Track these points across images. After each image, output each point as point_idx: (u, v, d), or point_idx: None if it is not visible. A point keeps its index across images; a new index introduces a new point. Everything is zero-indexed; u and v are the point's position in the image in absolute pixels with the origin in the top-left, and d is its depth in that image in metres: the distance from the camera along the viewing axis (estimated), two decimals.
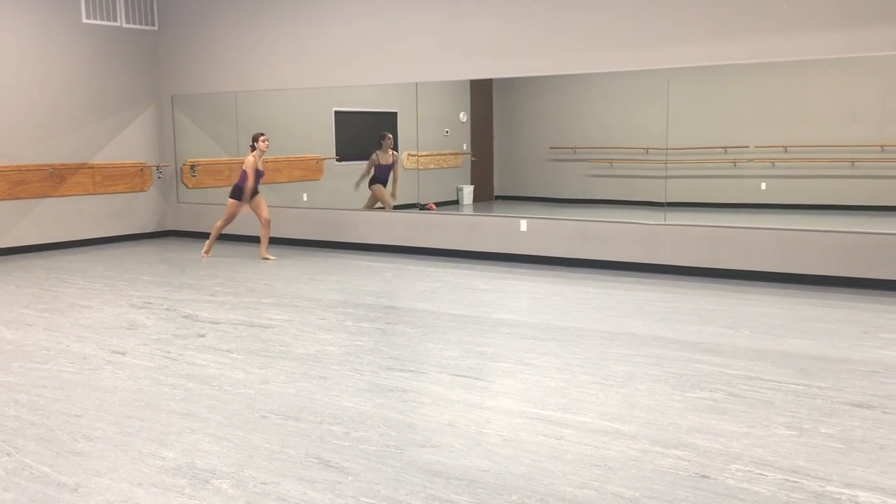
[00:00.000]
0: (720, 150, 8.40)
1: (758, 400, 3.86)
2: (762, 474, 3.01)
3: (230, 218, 8.63)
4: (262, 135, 8.36)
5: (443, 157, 10.37)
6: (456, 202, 10.59)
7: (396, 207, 9.38)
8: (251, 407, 3.86)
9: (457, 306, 6.10)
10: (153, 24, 10.50)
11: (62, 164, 9.65)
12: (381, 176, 9.58)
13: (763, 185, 8.49)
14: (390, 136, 9.55)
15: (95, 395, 4.10)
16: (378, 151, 9.52)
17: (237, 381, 4.28)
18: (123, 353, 4.89)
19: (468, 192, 10.60)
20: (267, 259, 8.60)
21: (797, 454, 3.20)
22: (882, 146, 7.66)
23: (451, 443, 3.36)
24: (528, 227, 8.12)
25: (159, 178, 10.78)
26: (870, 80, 7.88)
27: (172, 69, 10.57)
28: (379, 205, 9.58)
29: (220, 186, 10.65)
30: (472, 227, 8.55)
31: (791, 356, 4.61)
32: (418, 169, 9.50)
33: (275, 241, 9.92)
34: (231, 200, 8.52)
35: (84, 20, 9.73)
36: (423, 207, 9.17)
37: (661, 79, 7.42)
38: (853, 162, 7.92)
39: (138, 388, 4.20)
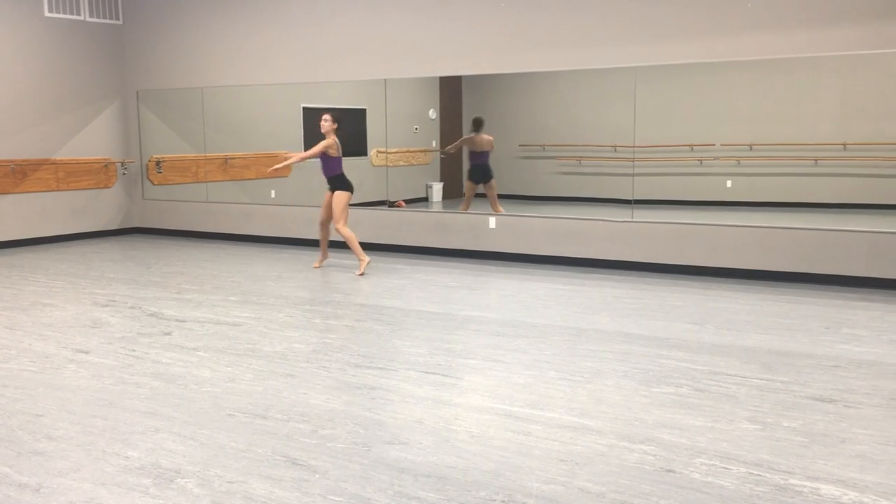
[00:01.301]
0: (687, 148, 8.48)
1: (722, 395, 3.91)
2: (726, 468, 3.05)
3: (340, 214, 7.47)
4: (325, 113, 7.33)
5: (412, 154, 10.34)
6: (425, 199, 10.57)
7: (365, 204, 9.33)
8: (217, 405, 3.83)
9: (426, 303, 6.09)
10: (118, 18, 10.35)
11: (24, 160, 9.47)
12: (477, 163, 8.68)
13: (729, 183, 8.58)
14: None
15: (58, 394, 4.04)
16: (473, 135, 8.59)
17: (203, 380, 4.23)
18: (87, 352, 4.82)
19: (437, 189, 10.59)
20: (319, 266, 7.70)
21: (760, 448, 3.24)
22: (844, 144, 7.79)
23: (420, 440, 3.36)
24: (496, 225, 8.13)
25: (124, 174, 10.63)
26: (832, 79, 8.01)
27: (137, 64, 10.43)
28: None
29: (186, 183, 10.53)
30: (441, 224, 8.54)
31: (755, 351, 4.67)
32: (387, 166, 9.47)
33: (241, 239, 9.84)
34: (337, 196, 7.43)
35: (47, 14, 9.56)
36: (392, 205, 9.14)
37: (629, 77, 7.47)
38: (816, 160, 8.04)
39: (102, 387, 4.14)
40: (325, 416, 3.65)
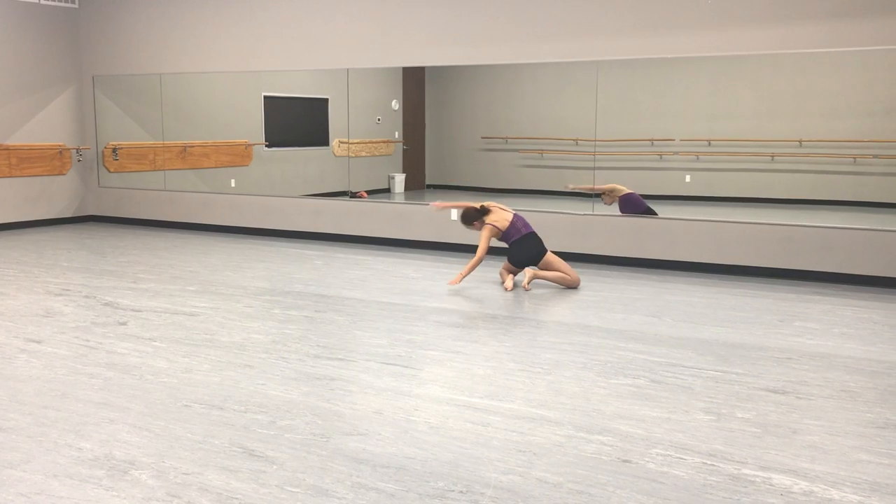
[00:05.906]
0: (647, 142, 8.56)
1: (678, 386, 3.96)
2: (681, 458, 3.09)
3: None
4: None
5: (374, 145, 10.30)
6: (387, 190, 10.53)
7: (327, 195, 9.28)
8: (173, 396, 3.78)
9: (386, 294, 6.07)
10: (73, 2, 10.12)
11: None
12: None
13: (687, 178, 8.69)
14: None
15: (8, 384, 3.95)
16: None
17: (159, 370, 4.17)
18: (39, 342, 4.72)
19: (400, 180, 10.56)
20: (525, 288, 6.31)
21: (715, 438, 3.30)
22: (800, 141, 7.93)
23: (379, 430, 3.35)
24: (458, 216, 8.13)
25: (79, 161, 10.41)
26: (790, 76, 8.14)
27: (94, 49, 10.21)
28: None
29: (143, 171, 10.36)
30: (402, 215, 8.52)
31: (711, 343, 4.75)
32: (349, 157, 9.42)
33: (200, 228, 9.72)
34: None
35: None
36: (354, 195, 9.10)
37: (590, 71, 7.52)
38: (773, 156, 8.18)
39: (54, 377, 4.06)
40: (283, 407, 3.62)
